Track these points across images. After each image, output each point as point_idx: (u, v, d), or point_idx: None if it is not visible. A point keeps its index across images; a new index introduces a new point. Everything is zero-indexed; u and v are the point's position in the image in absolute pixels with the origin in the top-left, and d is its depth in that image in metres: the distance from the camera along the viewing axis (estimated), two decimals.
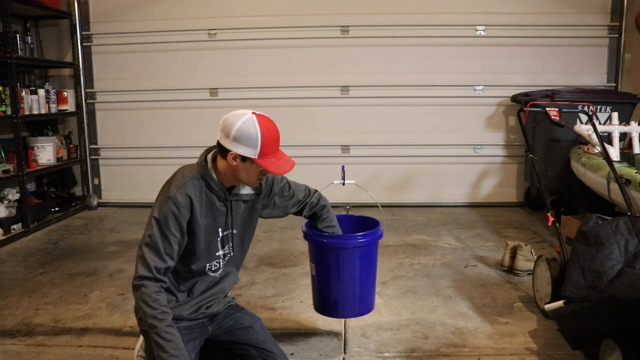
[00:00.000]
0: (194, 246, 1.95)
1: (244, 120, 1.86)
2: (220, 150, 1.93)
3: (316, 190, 2.35)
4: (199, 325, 2.08)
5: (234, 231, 2.07)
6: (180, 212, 1.87)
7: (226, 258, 2.10)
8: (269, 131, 1.88)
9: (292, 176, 2.40)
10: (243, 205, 2.08)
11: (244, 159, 1.88)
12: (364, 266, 2.32)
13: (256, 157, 1.87)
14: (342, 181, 2.40)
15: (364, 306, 2.41)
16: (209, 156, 2.00)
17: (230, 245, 2.09)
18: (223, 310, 2.15)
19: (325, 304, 2.39)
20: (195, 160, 2.03)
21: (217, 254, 2.04)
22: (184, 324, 2.01)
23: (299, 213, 2.32)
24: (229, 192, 2.01)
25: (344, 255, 2.28)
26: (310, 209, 2.29)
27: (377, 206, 2.44)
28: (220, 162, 1.95)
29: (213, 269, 2.05)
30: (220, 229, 2.02)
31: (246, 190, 2.07)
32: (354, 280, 2.32)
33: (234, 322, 2.14)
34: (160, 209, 1.88)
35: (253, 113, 1.89)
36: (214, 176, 1.96)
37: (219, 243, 2.03)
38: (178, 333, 1.88)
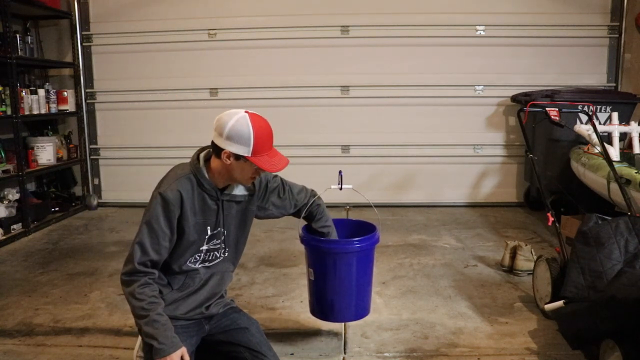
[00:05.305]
0: (182, 241, 1.97)
1: (237, 118, 1.87)
2: (215, 150, 1.94)
3: (313, 190, 2.36)
4: (195, 323, 2.09)
5: (225, 230, 2.07)
6: (169, 208, 1.89)
7: (212, 255, 2.08)
8: (261, 129, 1.89)
9: (293, 176, 2.41)
10: (236, 206, 2.09)
11: (237, 157, 1.89)
12: (360, 271, 2.33)
13: (249, 155, 1.87)
14: (340, 186, 2.41)
15: (361, 310, 2.42)
16: (202, 155, 2.01)
17: (219, 242, 2.07)
18: (222, 311, 2.16)
19: (322, 308, 2.39)
20: None
21: (200, 248, 2.03)
22: (180, 322, 2.02)
23: (296, 214, 2.33)
24: (222, 192, 2.01)
25: (341, 260, 2.28)
26: (307, 209, 2.30)
27: (376, 208, 2.45)
28: (215, 162, 1.96)
29: (193, 261, 2.03)
30: (209, 228, 2.02)
31: (239, 191, 2.07)
32: (350, 285, 2.32)
33: (231, 321, 2.14)
34: (151, 204, 1.92)
35: (246, 112, 1.90)
36: (206, 175, 1.97)
37: (205, 240, 2.03)
38: (169, 321, 1.89)
